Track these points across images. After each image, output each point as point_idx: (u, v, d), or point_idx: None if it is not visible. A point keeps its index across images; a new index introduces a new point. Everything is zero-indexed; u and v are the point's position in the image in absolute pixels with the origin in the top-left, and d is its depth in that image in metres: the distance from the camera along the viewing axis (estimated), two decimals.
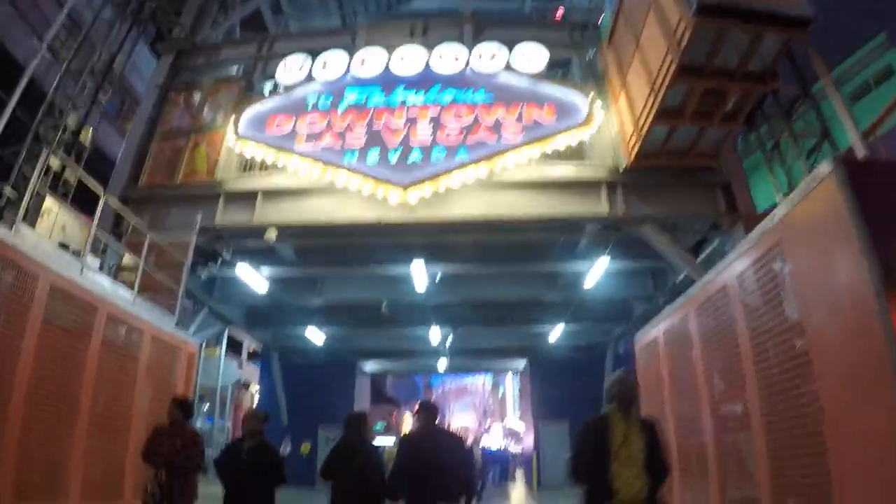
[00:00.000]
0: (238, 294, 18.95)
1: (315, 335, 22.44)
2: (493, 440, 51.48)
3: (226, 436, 31.79)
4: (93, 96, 14.51)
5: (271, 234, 13.31)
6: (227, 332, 23.56)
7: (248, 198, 13.92)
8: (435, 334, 21.84)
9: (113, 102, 17.67)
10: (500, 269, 17.06)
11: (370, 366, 30.15)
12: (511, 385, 56.72)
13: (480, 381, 69.06)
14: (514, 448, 42.84)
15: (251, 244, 14.83)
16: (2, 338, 6.78)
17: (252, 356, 34.63)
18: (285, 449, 22.09)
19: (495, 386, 66.01)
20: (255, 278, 16.26)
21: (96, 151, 16.19)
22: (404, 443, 6.46)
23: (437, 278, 17.32)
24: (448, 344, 23.13)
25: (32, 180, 9.45)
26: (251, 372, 34.11)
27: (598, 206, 13.14)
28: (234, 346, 35.47)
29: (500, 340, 25.06)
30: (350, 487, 6.06)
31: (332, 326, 22.60)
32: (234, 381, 28.60)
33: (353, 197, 13.33)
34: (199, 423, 26.16)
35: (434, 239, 14.51)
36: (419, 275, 15.80)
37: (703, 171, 13.03)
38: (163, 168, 15.13)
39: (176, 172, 14.78)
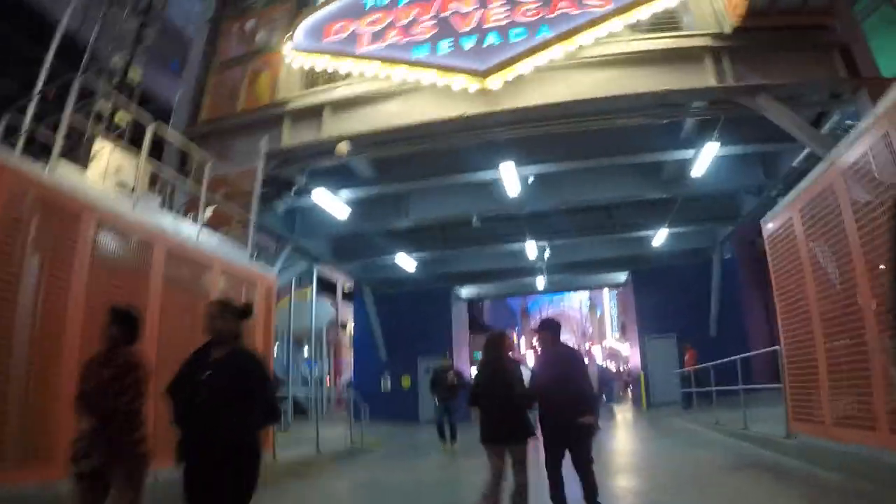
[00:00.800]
0: (321, 225, 18.16)
1: (406, 262, 21.47)
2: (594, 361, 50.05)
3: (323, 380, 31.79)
4: (136, 35, 13.54)
5: (343, 148, 12.28)
6: (315, 271, 23.01)
7: (314, 114, 13.12)
8: (531, 249, 20.46)
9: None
10: (597, 163, 15.47)
11: (466, 291, 29.10)
12: (608, 305, 57.11)
13: (577, 304, 69.13)
14: (615, 367, 42.18)
15: (325, 164, 13.88)
16: (50, 281, 6.51)
17: (347, 296, 34.02)
18: (386, 384, 21.64)
19: (592, 307, 66.16)
20: (334, 204, 15.34)
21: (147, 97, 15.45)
22: (537, 360, 6.48)
23: (530, 181, 15.96)
24: (546, 258, 21.70)
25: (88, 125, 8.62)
26: (347, 312, 33.63)
27: (704, 77, 11.67)
28: (328, 287, 35.32)
29: (600, 251, 23.47)
30: (498, 407, 5.87)
31: (422, 251, 21.63)
32: (329, 322, 28.13)
33: (428, 94, 12.28)
34: (297, 369, 25.89)
35: (522, 133, 12.99)
36: (510, 178, 14.32)
37: (817, 30, 11.48)
38: (224, 100, 14.58)
39: (238, 101, 13.90)
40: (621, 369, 42.42)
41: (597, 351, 57.80)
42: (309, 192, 14.73)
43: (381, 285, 25.86)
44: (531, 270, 24.38)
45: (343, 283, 33.12)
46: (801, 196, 8.26)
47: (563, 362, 5.93)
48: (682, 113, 12.78)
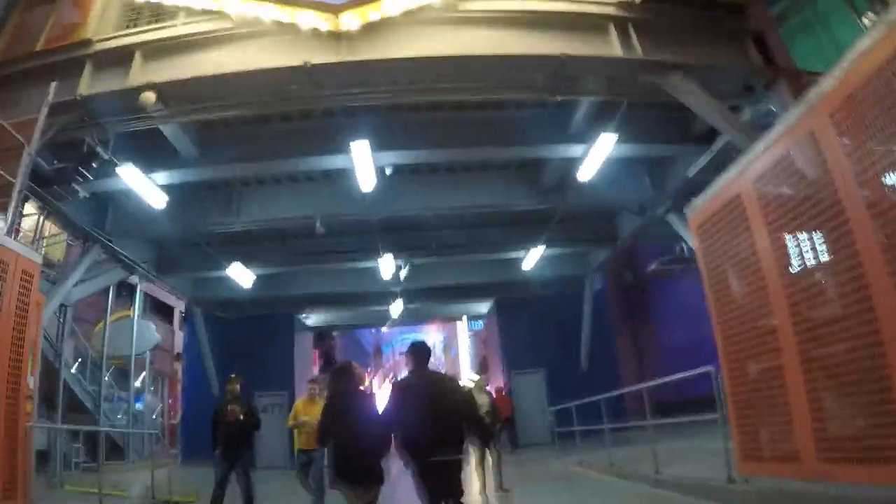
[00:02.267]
0: (139, 224, 14.90)
1: (241, 275, 18.03)
2: None
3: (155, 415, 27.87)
4: None
5: (149, 97, 9.32)
6: (140, 287, 19.56)
7: (124, 58, 10.05)
8: (386, 266, 17.71)
9: None
10: (470, 154, 13.35)
11: (313, 319, 26.00)
12: (464, 345, 55.67)
13: (431, 342, 66.04)
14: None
15: (134, 128, 10.77)
16: None
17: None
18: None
19: (447, 348, 64.13)
20: (147, 187, 12.09)
21: None
22: (399, 389, 5.59)
23: (388, 171, 13.37)
24: (402, 278, 18.98)
25: None
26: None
27: (609, 47, 9.75)
28: (164, 312, 31.55)
29: (464, 274, 21.11)
30: (354, 443, 5.24)
31: (259, 265, 18.52)
32: (152, 347, 24.32)
33: (268, 42, 9.68)
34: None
35: (384, 99, 10.59)
36: (363, 165, 11.52)
37: (732, 16, 10.41)
38: (23, 41, 11.02)
39: (37, 40, 10.66)
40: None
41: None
42: (114, 170, 11.50)
43: (215, 306, 22.29)
44: (386, 296, 21.84)
45: (182, 308, 28.99)
46: (755, 165, 6.20)
47: (432, 385, 5.40)
48: (579, 91, 10.75)
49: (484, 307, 25.82)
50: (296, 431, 9.35)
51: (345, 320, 27.72)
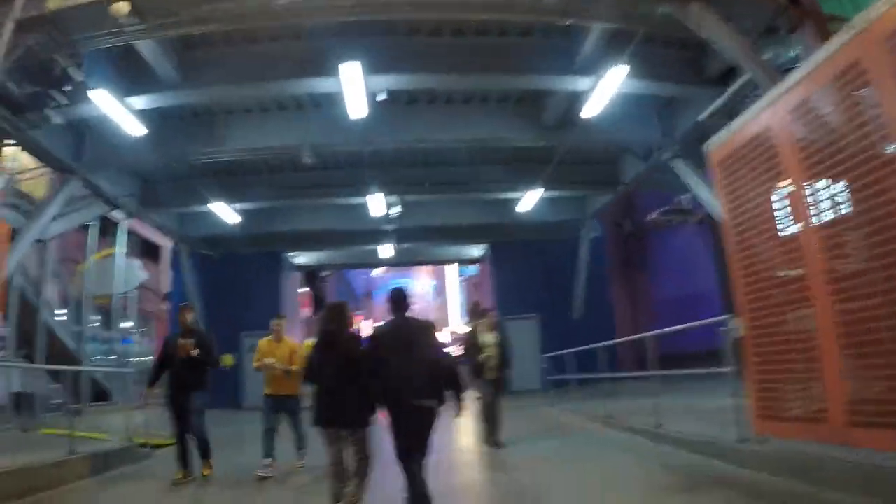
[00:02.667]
0: (118, 155, 14.14)
1: (225, 212, 17.36)
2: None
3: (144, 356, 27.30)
4: None
5: (121, 8, 8.48)
6: (125, 223, 18.81)
7: None
8: (377, 203, 16.89)
9: None
10: (468, 82, 12.58)
11: (302, 258, 25.32)
12: (455, 290, 57.82)
13: (423, 290, 67.35)
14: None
15: (108, 44, 9.87)
16: None
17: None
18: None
19: (438, 293, 64.80)
20: (123, 114, 11.31)
21: None
22: (376, 337, 5.38)
23: (380, 98, 12.48)
24: (394, 215, 18.19)
25: None
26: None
27: None
28: (152, 252, 30.67)
29: (458, 215, 20.40)
30: (335, 384, 5.12)
31: (245, 200, 17.82)
32: (138, 286, 23.54)
33: None
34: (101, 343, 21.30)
35: (377, 16, 9.92)
36: (354, 88, 10.62)
37: None
38: None
39: None
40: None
41: (443, 336, 55.59)
42: (86, 94, 10.70)
43: (201, 244, 21.64)
44: (376, 236, 21.11)
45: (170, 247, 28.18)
46: (789, 96, 5.47)
47: (409, 333, 5.29)
48: (592, 15, 9.88)
49: (478, 251, 25.18)
50: (264, 375, 8.08)
51: (334, 260, 26.95)
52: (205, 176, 16.50)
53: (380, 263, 28.62)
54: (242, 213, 18.27)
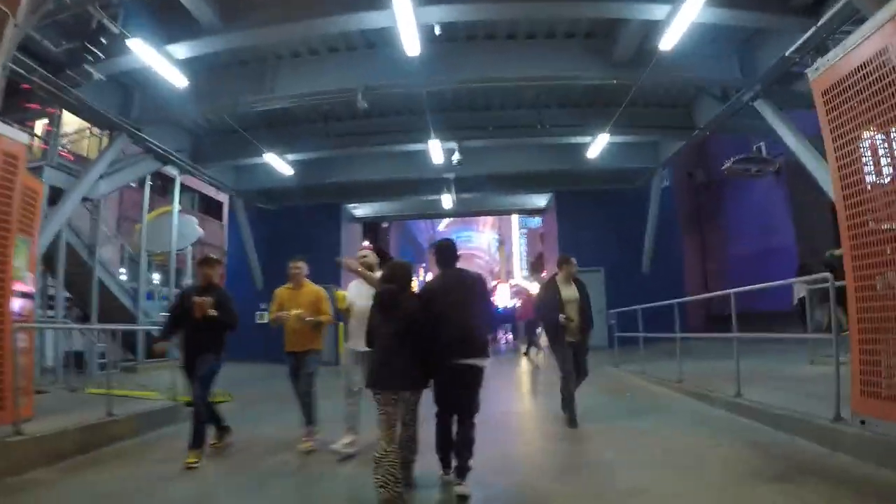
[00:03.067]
0: (167, 110, 13.96)
1: (280, 164, 16.82)
2: (501, 299, 48.51)
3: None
4: None
5: None
6: (179, 178, 18.45)
7: None
8: (436, 150, 15.93)
9: None
10: (533, 12, 11.36)
11: (361, 210, 24.71)
12: (517, 242, 57.58)
13: (485, 244, 70.32)
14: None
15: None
16: None
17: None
18: (261, 317, 18.42)
19: (501, 245, 65.60)
20: (164, 64, 10.88)
21: None
22: (426, 293, 5.20)
23: (436, 31, 11.55)
24: (455, 161, 17.01)
25: None
26: None
27: None
28: (213, 208, 31.26)
29: (521, 161, 19.37)
30: (394, 346, 4.79)
31: (300, 148, 17.17)
32: (194, 242, 23.33)
33: None
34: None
35: None
36: (407, 22, 9.65)
37: None
38: None
39: None
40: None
41: (503, 289, 55.64)
42: (125, 46, 10.21)
43: (257, 198, 21.22)
44: (437, 185, 20.32)
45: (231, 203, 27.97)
46: None
47: (460, 287, 5.11)
48: None
49: (542, 200, 24.14)
50: (284, 329, 7.06)
51: (395, 211, 26.09)
52: (256, 128, 16.08)
53: (441, 214, 27.74)
54: (297, 164, 17.75)
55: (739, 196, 22.35)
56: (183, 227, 20.10)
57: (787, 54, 10.71)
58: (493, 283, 60.84)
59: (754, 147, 19.17)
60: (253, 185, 20.33)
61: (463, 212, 26.80)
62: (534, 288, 48.16)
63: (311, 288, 7.22)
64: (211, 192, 27.60)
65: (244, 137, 15.64)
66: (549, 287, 7.81)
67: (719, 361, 8.35)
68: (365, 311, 5.25)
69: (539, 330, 17.15)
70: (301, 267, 7.31)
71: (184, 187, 27.59)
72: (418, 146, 16.51)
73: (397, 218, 28.44)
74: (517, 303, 42.05)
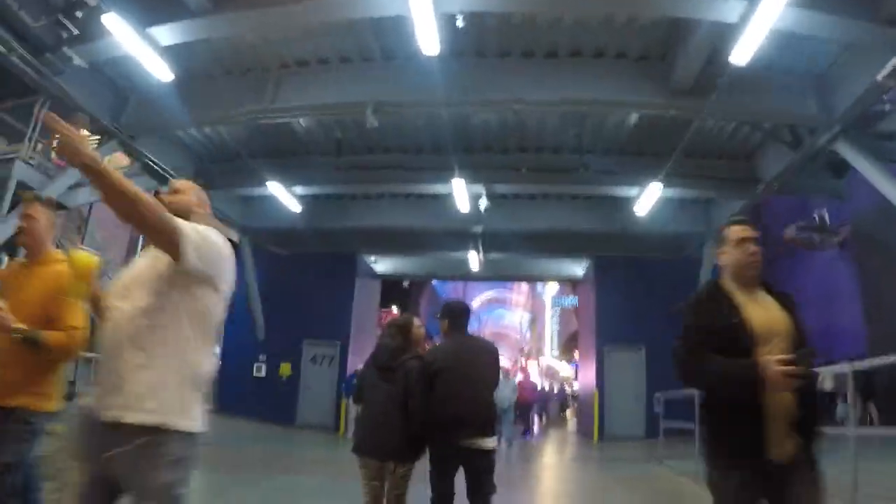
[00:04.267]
0: (162, 119, 12.47)
1: (285, 197, 14.97)
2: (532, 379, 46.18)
3: None
4: None
5: None
6: None
7: None
8: (460, 191, 13.83)
9: None
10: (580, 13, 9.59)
11: (381, 265, 22.63)
12: (549, 320, 56.26)
13: (517, 321, 69.20)
14: (551, 386, 38.50)
15: None
16: None
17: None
18: (259, 370, 18.30)
19: (533, 322, 64.63)
20: (143, 49, 9.36)
21: None
22: (429, 359, 4.68)
23: (459, 23, 9.26)
24: (483, 209, 14.86)
25: None
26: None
27: None
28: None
29: (558, 216, 17.17)
30: (387, 409, 4.53)
31: (308, 182, 15.27)
32: None
33: None
34: None
35: None
36: (423, 12, 7.87)
37: None
38: None
39: None
40: (572, 388, 37.42)
41: (533, 367, 54.15)
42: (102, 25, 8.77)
43: (266, 238, 19.29)
44: (463, 239, 18.29)
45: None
46: None
47: (468, 356, 4.62)
48: None
49: (579, 268, 21.87)
50: None
51: (417, 269, 23.92)
52: (262, 154, 14.37)
53: (468, 276, 25.53)
54: (307, 201, 16.05)
55: (796, 270, 19.96)
56: None
57: (879, 78, 8.70)
58: (523, 360, 59.50)
59: (815, 215, 17.03)
60: (262, 223, 18.39)
61: (492, 275, 24.34)
62: (564, 368, 46.50)
63: (56, 268, 3.49)
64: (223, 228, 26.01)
65: (248, 163, 13.93)
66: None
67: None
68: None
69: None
70: (41, 213, 3.67)
71: None
72: (441, 188, 14.51)
73: (420, 278, 26.09)
74: (549, 383, 40.39)
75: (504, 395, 14.78)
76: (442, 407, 4.37)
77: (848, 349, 15.22)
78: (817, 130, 11.03)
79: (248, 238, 18.88)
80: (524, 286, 59.47)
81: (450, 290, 54.58)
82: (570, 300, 39.59)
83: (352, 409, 14.53)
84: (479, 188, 14.14)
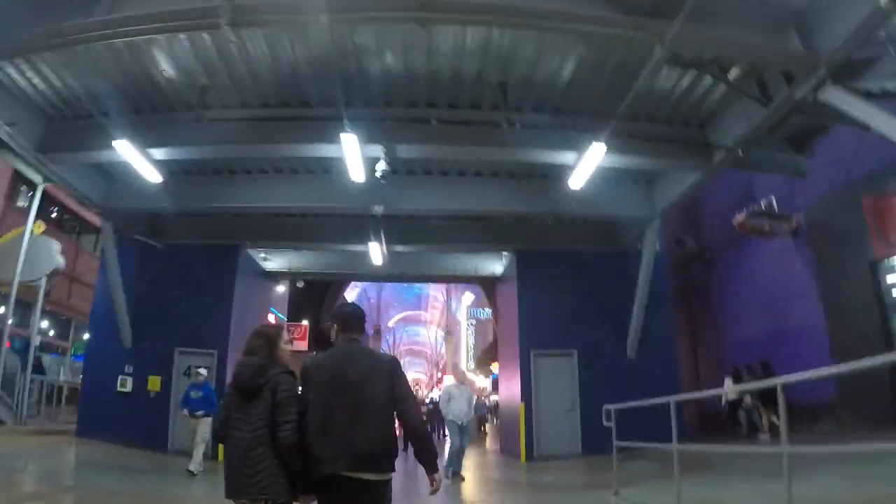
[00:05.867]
0: None
1: (136, 160, 11.53)
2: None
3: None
4: None
5: None
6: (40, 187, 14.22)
7: None
8: (352, 151, 10.68)
9: None
10: None
11: (272, 262, 19.54)
12: (465, 333, 56.81)
13: (433, 335, 70.79)
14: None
15: None
16: None
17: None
18: (124, 384, 15.14)
19: (448, 335, 64.41)
20: None
21: None
22: (310, 371, 3.92)
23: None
24: (379, 173, 11.37)
25: None
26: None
27: None
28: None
29: (473, 194, 14.22)
30: (249, 441, 3.85)
31: (167, 141, 11.76)
32: (49, 273, 18.51)
33: None
34: None
35: None
36: None
37: None
38: None
39: None
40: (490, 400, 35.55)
41: (449, 381, 52.56)
42: None
43: (133, 225, 15.89)
44: (362, 225, 15.47)
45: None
46: None
47: (355, 369, 3.83)
48: None
49: (497, 264, 19.27)
50: None
51: (312, 266, 20.61)
52: (118, 112, 11.14)
53: (370, 275, 22.52)
54: (175, 175, 13.42)
55: (742, 266, 18.13)
56: (37, 253, 17.07)
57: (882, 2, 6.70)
58: (439, 374, 59.29)
59: (762, 202, 15.32)
60: (127, 204, 14.97)
61: (398, 273, 21.21)
62: (480, 381, 44.65)
63: None
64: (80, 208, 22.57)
65: (101, 122, 10.83)
66: None
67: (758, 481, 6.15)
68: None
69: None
70: None
71: (63, 208, 23.39)
72: (331, 150, 11.35)
73: (317, 276, 22.75)
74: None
75: (459, 408, 12.53)
76: (317, 432, 3.66)
77: (805, 347, 14.44)
78: (796, 78, 8.82)
79: (111, 224, 15.42)
80: (439, 302, 59.21)
81: (370, 305, 54.91)
82: (486, 312, 38.61)
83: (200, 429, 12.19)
84: (377, 150, 11.22)
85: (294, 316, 26.02)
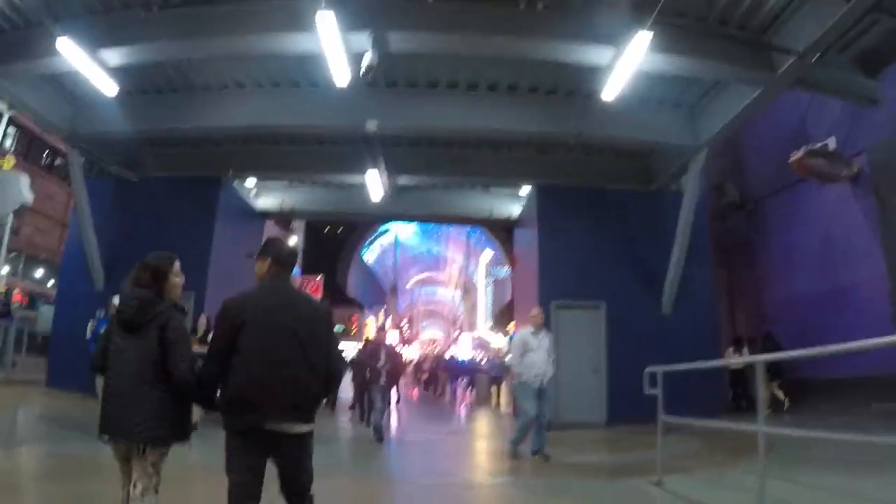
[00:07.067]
0: None
1: (86, 65, 9.85)
2: (461, 351, 47.28)
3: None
4: None
5: None
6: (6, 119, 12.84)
7: None
8: (331, 36, 8.59)
9: None
10: None
11: (264, 200, 17.57)
12: (483, 290, 56.29)
13: (450, 295, 70.47)
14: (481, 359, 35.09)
15: None
16: None
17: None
18: (93, 327, 12.75)
19: (466, 292, 64.41)
20: None
21: None
22: (244, 310, 3.51)
23: None
24: (364, 70, 9.09)
25: None
26: None
27: None
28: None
29: (490, 113, 12.00)
30: (129, 376, 3.54)
31: (120, 40, 9.84)
32: (16, 209, 17.19)
33: None
34: None
35: None
36: None
37: None
38: None
39: None
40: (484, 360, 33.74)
41: (465, 339, 55.07)
42: None
43: (103, 154, 14.25)
44: (356, 149, 13.44)
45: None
46: None
47: (288, 311, 3.52)
48: None
49: (514, 206, 17.26)
50: None
51: (310, 204, 18.52)
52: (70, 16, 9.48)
53: (371, 214, 20.60)
54: (128, 90, 11.58)
55: (792, 218, 15.82)
56: (3, 188, 16.08)
57: None
58: (457, 333, 59.01)
59: (818, 145, 13.19)
60: (98, 129, 13.22)
61: (401, 213, 19.15)
62: (497, 340, 43.60)
63: None
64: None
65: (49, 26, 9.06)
66: None
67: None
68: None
69: None
70: None
71: (55, 151, 22.16)
72: (307, 41, 9.15)
73: (314, 216, 20.81)
74: (481, 356, 37.24)
75: (537, 365, 8.93)
76: (242, 375, 3.30)
77: (866, 308, 12.35)
78: None
79: (77, 151, 13.81)
80: (457, 265, 58.83)
81: (387, 265, 55.20)
82: (505, 271, 37.14)
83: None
84: (364, 40, 9.00)
85: (307, 268, 24.53)
